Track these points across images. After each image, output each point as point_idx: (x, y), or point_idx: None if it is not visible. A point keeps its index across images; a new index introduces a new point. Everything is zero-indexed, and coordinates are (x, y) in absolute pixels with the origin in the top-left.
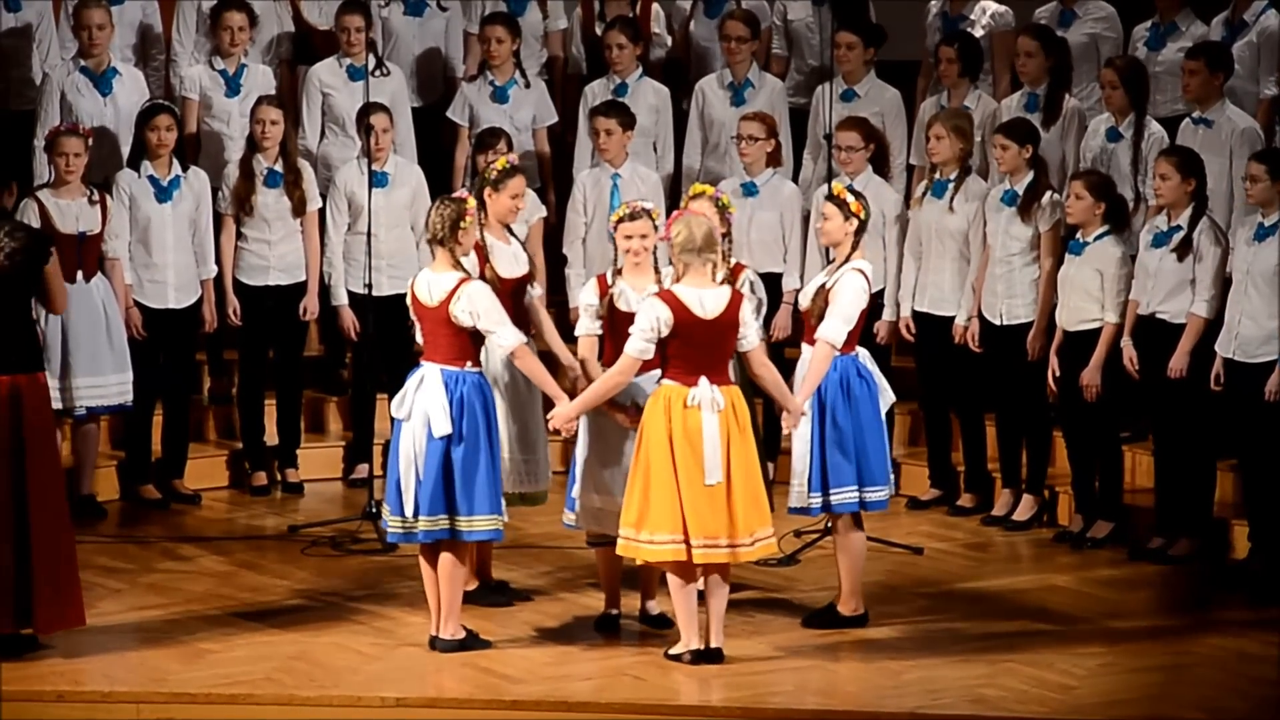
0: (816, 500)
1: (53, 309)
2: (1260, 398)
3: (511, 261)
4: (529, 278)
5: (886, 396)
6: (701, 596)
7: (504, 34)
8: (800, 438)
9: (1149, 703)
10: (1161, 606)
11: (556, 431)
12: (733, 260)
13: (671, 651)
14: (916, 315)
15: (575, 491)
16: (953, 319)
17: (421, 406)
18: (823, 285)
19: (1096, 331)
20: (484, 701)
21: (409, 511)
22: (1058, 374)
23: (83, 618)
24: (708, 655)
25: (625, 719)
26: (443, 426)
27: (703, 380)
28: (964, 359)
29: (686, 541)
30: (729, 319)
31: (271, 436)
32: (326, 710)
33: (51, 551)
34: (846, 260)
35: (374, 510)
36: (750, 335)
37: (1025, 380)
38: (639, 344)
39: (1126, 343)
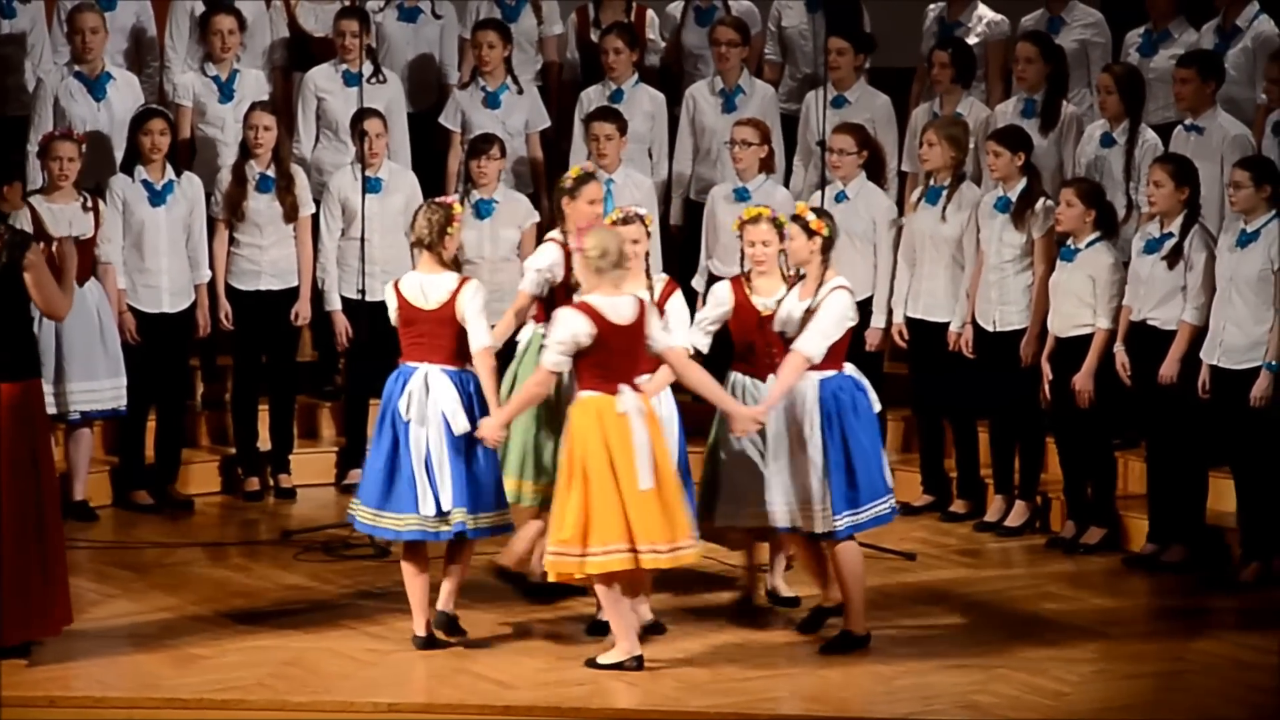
0: (843, 520)
1: (47, 314)
2: (1246, 404)
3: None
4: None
5: (875, 405)
6: None
7: (495, 39)
8: (815, 465)
9: (1142, 709)
10: (1155, 613)
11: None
12: (791, 271)
13: (603, 660)
14: (910, 321)
15: None
16: (946, 325)
17: (437, 406)
18: (809, 308)
19: (1089, 337)
20: (477, 707)
21: (427, 510)
22: (1050, 379)
23: (27, 632)
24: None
25: None
26: (464, 424)
27: (624, 388)
28: (957, 365)
29: (633, 549)
30: (640, 325)
31: (264, 442)
32: (319, 716)
33: (11, 561)
34: (821, 279)
35: None
36: (656, 335)
37: (1018, 386)
38: (554, 357)
39: (1119, 349)
